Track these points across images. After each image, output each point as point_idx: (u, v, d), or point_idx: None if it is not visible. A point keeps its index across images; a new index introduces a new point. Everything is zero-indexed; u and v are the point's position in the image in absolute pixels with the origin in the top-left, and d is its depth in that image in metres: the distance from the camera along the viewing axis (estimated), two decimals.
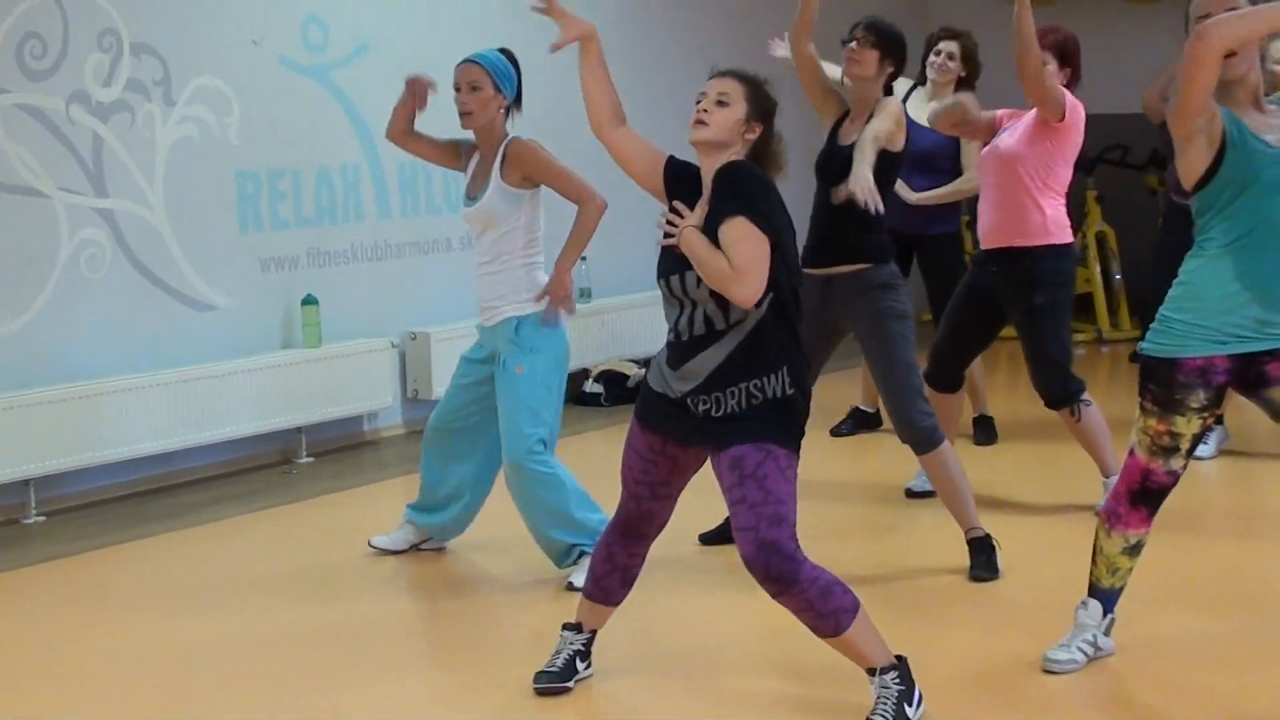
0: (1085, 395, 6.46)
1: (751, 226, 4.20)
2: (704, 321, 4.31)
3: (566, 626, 4.84)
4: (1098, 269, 11.24)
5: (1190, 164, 4.41)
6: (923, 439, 5.75)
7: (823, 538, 5.88)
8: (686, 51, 9.86)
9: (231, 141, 7.86)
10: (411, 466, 7.76)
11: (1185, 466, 4.56)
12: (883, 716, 4.31)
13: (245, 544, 6.68)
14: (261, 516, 7.11)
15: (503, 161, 5.76)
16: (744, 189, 4.27)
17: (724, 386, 4.30)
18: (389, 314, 8.49)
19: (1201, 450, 7.30)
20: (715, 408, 4.32)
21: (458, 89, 5.79)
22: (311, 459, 8.10)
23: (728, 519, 6.20)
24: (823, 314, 5.83)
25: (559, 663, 4.78)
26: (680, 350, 4.37)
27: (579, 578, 5.60)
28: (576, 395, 9.28)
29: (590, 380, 9.44)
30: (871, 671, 4.37)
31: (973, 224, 7.33)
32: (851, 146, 5.71)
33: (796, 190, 5.01)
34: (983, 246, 6.55)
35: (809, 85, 5.95)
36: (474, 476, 6.12)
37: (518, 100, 5.89)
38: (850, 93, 5.87)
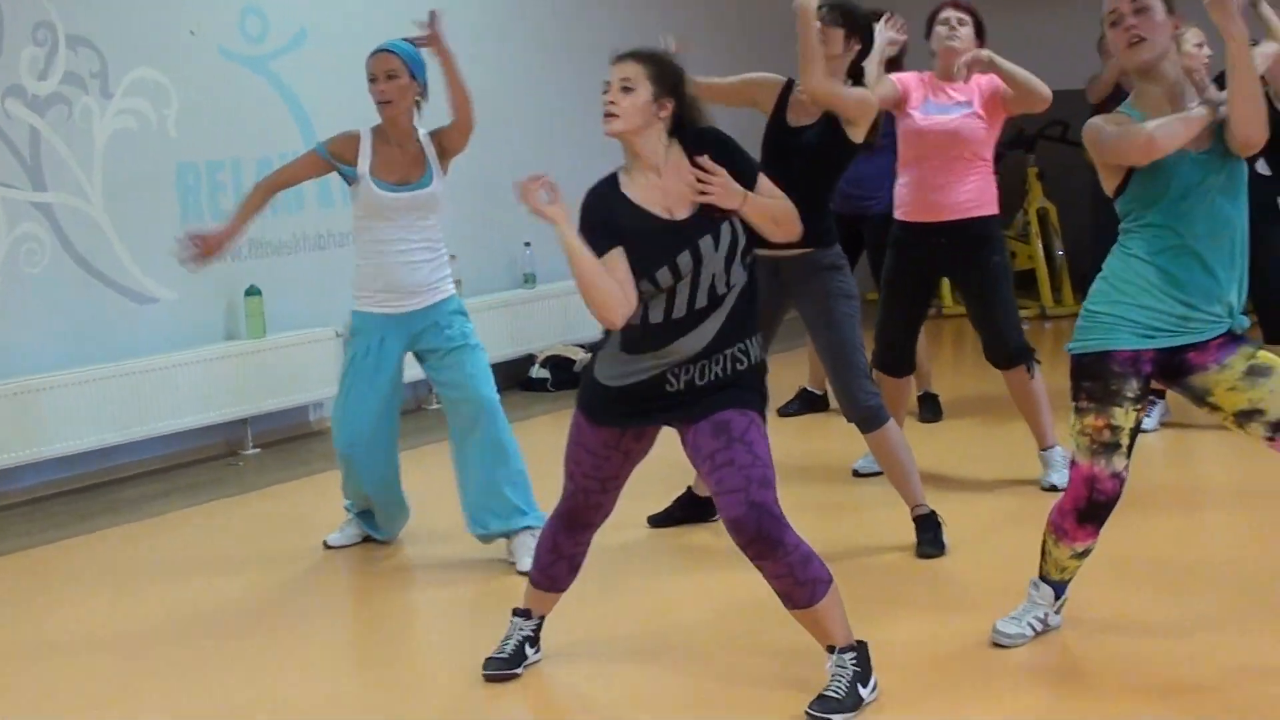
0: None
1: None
2: (708, 291, 4.29)
3: (516, 612, 4.84)
4: (1040, 245, 11.32)
5: (1106, 180, 4.49)
6: (868, 417, 5.78)
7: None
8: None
9: (170, 133, 7.82)
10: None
11: (1128, 468, 4.56)
12: (836, 692, 4.33)
13: (191, 536, 6.65)
14: (208, 509, 7.08)
15: (438, 152, 5.87)
16: (738, 150, 4.36)
17: (716, 352, 4.30)
18: (333, 303, 8.44)
19: (1144, 423, 7.37)
20: (700, 375, 4.31)
21: (374, 79, 5.79)
22: (258, 450, 8.07)
23: (676, 500, 6.25)
24: (773, 296, 5.84)
25: (508, 649, 4.78)
26: (672, 329, 4.29)
27: (527, 562, 5.61)
28: (523, 381, 9.30)
29: (536, 365, 9.44)
30: (831, 649, 4.39)
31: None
32: (805, 129, 5.73)
33: None
34: (926, 220, 6.51)
35: (731, 102, 5.99)
36: (396, 466, 6.12)
37: (425, 88, 5.90)
38: None
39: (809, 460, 7.37)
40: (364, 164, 5.84)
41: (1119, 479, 4.54)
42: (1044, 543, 4.79)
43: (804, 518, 6.36)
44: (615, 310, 4.19)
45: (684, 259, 4.25)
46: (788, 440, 7.58)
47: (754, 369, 4.37)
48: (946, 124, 6.44)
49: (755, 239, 4.36)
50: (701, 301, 4.28)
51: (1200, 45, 7.07)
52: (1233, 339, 4.49)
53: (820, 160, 5.74)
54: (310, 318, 8.35)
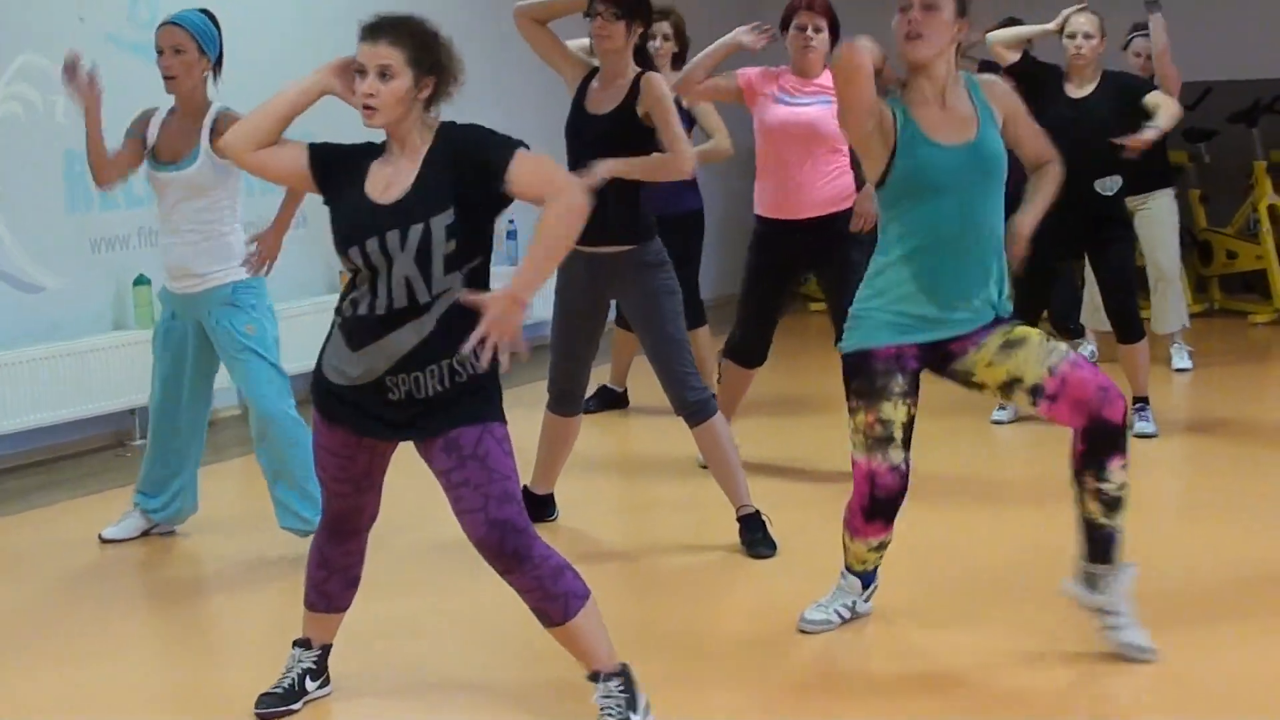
0: None
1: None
2: (406, 293, 4.00)
3: (296, 643, 4.54)
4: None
5: (871, 164, 4.56)
6: (696, 410, 5.83)
7: (579, 514, 6.06)
8: None
9: (58, 120, 7.72)
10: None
11: (907, 461, 4.64)
12: None
13: (76, 528, 6.57)
14: (95, 500, 7.01)
15: (211, 132, 5.72)
16: (488, 141, 4.06)
17: (423, 365, 4.03)
18: None
19: (999, 414, 7.72)
20: (416, 388, 4.05)
21: (160, 52, 5.72)
22: (145, 440, 7.96)
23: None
24: (592, 291, 5.88)
25: (285, 684, 4.47)
26: (369, 326, 4.05)
27: None
28: None
29: None
30: (595, 677, 4.21)
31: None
32: (605, 118, 5.71)
33: None
34: (787, 217, 6.55)
35: (548, 53, 5.87)
36: (194, 452, 6.17)
37: (219, 62, 5.84)
38: (601, 63, 5.81)
39: (615, 458, 7.56)
40: (150, 140, 5.84)
41: (897, 472, 4.61)
42: (842, 537, 4.89)
43: (612, 514, 6.55)
44: (239, 136, 4.10)
45: (372, 245, 3.99)
46: (593, 439, 7.49)
47: (477, 379, 4.07)
48: (800, 115, 6.45)
49: (482, 249, 4.06)
50: (400, 301, 4.00)
51: (1072, 36, 7.21)
52: (997, 324, 4.61)
53: (617, 149, 5.67)
54: None
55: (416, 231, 3.98)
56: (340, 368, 4.12)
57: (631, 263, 5.78)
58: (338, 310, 4.17)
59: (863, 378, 4.58)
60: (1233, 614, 5.12)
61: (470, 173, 4.02)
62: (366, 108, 4.01)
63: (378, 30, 4.02)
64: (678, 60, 7.61)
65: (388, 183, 4.06)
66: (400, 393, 4.06)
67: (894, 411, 4.56)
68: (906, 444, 4.62)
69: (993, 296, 4.58)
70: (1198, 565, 5.67)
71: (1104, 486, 4.56)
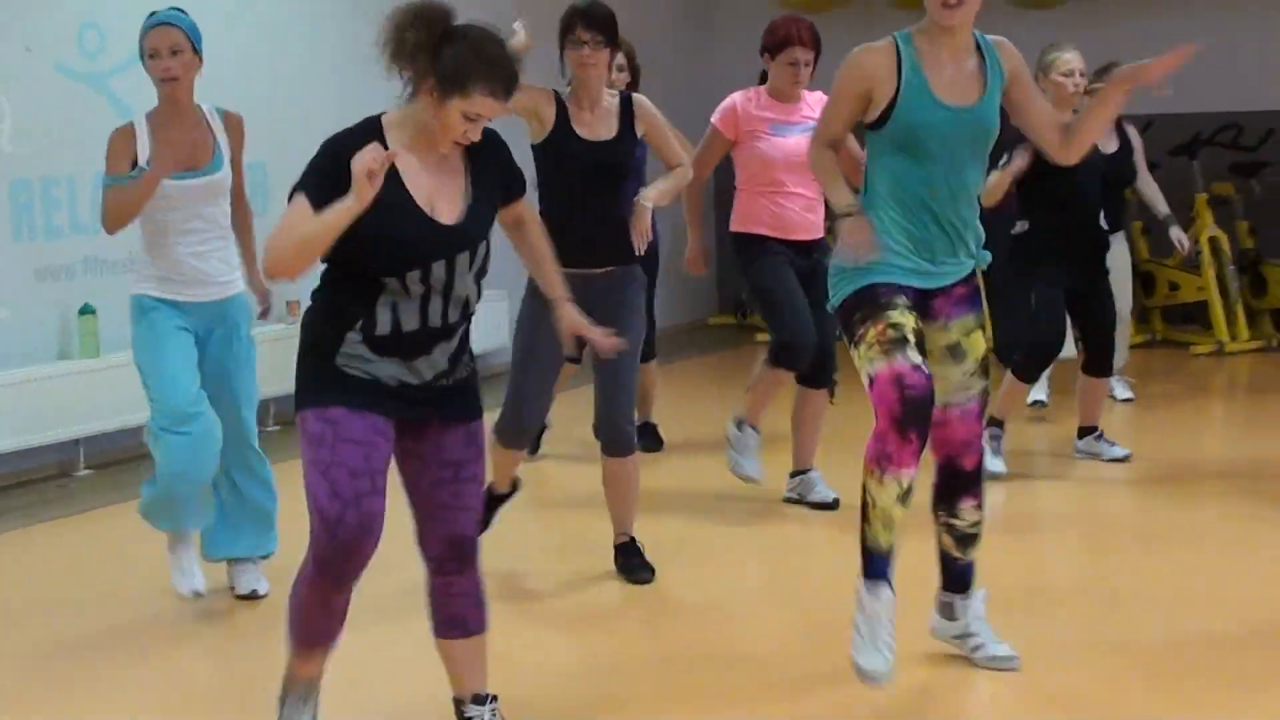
0: None
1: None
2: (461, 308, 3.98)
3: (289, 693, 4.25)
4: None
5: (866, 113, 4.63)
6: (627, 441, 5.93)
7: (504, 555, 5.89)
8: None
9: (4, 148, 7.71)
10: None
11: (927, 366, 4.51)
12: None
13: (19, 559, 6.55)
14: (37, 530, 6.98)
15: (227, 131, 5.64)
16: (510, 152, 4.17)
17: (458, 359, 4.04)
18: None
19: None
20: (446, 379, 4.02)
21: (156, 55, 5.50)
22: (90, 471, 7.97)
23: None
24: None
25: None
26: (426, 337, 3.94)
27: (249, 582, 5.74)
28: None
29: None
30: (481, 700, 4.17)
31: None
32: (612, 143, 5.80)
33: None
34: (796, 238, 6.72)
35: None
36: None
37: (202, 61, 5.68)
38: (574, 84, 5.85)
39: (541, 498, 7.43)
40: (144, 155, 5.52)
41: (922, 372, 4.48)
42: (865, 501, 4.54)
43: (543, 555, 6.50)
44: (294, 259, 3.79)
45: (439, 267, 3.90)
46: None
47: (472, 357, 4.16)
48: (800, 145, 6.47)
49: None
50: (454, 316, 3.97)
51: (1070, 74, 7.28)
52: (974, 296, 4.70)
53: (621, 171, 5.85)
54: None
55: (482, 250, 4.00)
56: (366, 369, 3.93)
57: (624, 278, 5.85)
58: (344, 325, 3.93)
59: (866, 304, 4.54)
60: (1164, 645, 5.15)
61: (500, 186, 4.11)
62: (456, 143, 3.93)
63: (513, 85, 3.90)
64: (630, 89, 7.66)
65: (432, 194, 3.92)
66: (441, 385, 4.02)
67: (902, 317, 4.52)
68: (922, 351, 4.52)
69: (972, 247, 4.66)
70: (1129, 593, 5.73)
71: (955, 523, 4.76)
